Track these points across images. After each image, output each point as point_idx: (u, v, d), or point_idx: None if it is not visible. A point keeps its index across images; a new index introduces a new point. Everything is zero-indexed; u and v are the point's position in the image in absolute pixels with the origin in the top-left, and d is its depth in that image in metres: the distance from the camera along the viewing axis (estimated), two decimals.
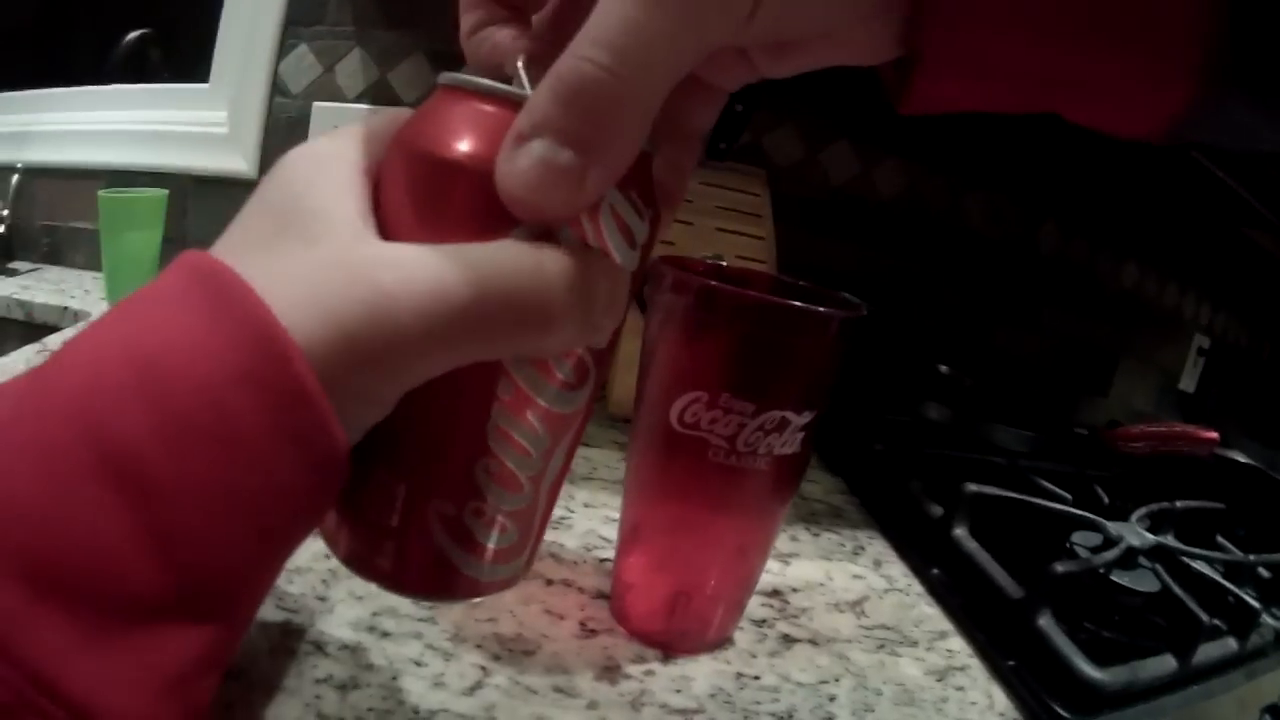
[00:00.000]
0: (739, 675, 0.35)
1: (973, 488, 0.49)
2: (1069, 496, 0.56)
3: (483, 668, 0.33)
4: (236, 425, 0.15)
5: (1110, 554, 0.46)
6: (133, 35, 0.95)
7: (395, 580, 0.20)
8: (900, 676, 0.38)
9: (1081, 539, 0.49)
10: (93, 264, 0.86)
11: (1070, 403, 0.91)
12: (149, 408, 0.14)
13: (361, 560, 0.20)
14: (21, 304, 0.73)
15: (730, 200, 0.61)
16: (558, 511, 0.48)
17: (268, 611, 0.33)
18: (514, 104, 0.17)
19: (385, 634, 0.34)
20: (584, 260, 0.17)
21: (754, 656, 0.37)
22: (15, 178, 0.85)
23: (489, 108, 0.17)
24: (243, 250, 0.17)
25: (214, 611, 0.16)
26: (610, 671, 0.34)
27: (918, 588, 0.47)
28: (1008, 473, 0.59)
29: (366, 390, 0.16)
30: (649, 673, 0.34)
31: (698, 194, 0.60)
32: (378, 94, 0.84)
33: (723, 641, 0.37)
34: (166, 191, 0.74)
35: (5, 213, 0.84)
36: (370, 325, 0.15)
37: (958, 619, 0.44)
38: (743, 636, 0.39)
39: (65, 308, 0.72)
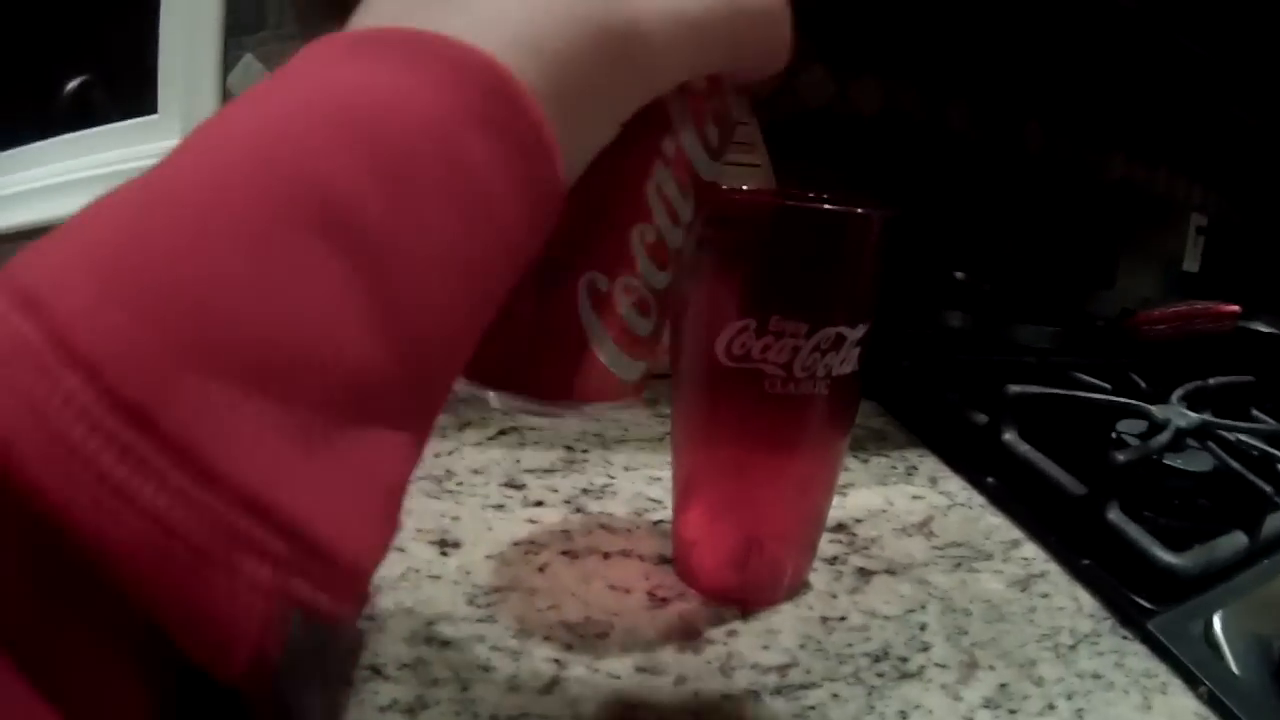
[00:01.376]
0: (824, 619, 0.33)
1: (1015, 389, 0.47)
2: (1108, 386, 0.54)
3: (556, 660, 0.30)
4: (472, 174, 0.12)
5: (1162, 437, 0.44)
6: (73, 84, 0.88)
7: (522, 379, 0.17)
8: (984, 592, 0.37)
9: (1126, 427, 0.48)
10: None
11: (1080, 298, 0.90)
12: (366, 158, 0.11)
13: (479, 362, 0.16)
14: None
15: None
16: (599, 479, 0.45)
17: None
18: None
19: (445, 643, 0.31)
20: None
21: (834, 597, 0.35)
22: None
23: None
24: (405, 13, 0.13)
25: (424, 405, 0.13)
26: (691, 639, 0.31)
27: (979, 499, 0.45)
28: (1043, 370, 0.57)
29: (590, 123, 0.14)
30: (732, 633, 0.32)
31: None
32: None
33: (800, 587, 0.35)
34: None
35: None
36: (608, 43, 0.14)
37: (1026, 525, 0.42)
38: (818, 578, 0.36)
39: None
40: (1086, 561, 0.39)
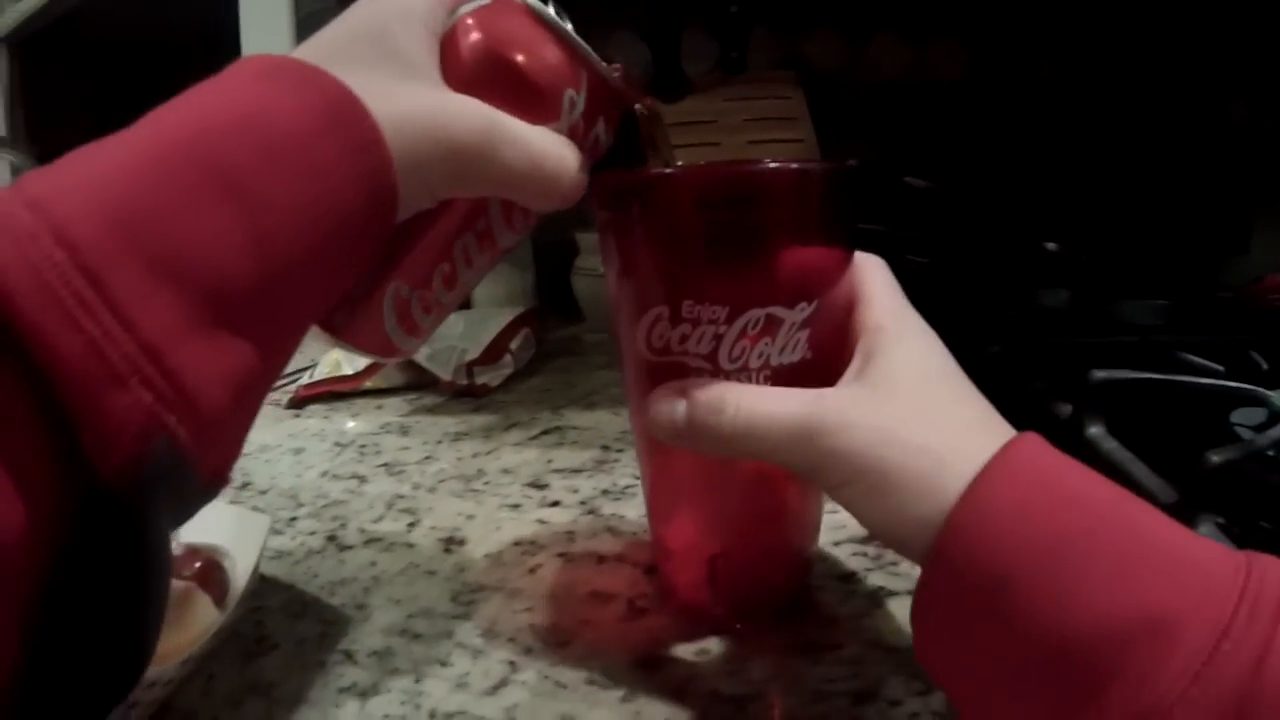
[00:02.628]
0: (813, 646, 0.30)
1: (1100, 375, 0.39)
2: (1220, 368, 0.44)
3: (511, 663, 0.30)
4: (322, 162, 0.18)
5: (1275, 431, 0.34)
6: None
7: (335, 327, 0.24)
8: None
9: (1245, 417, 0.38)
10: None
11: (1208, 268, 0.73)
12: (254, 144, 0.17)
13: (329, 323, 0.25)
14: None
15: (759, 110, 0.54)
16: (622, 480, 0.44)
17: (306, 627, 0.33)
18: (556, 34, 0.24)
19: (416, 636, 0.32)
20: (579, 158, 0.24)
21: (834, 621, 0.31)
22: None
23: (537, 28, 0.24)
24: (330, 61, 0.20)
25: (276, 324, 0.19)
26: (654, 657, 0.30)
27: None
28: (1143, 351, 0.47)
29: (416, 188, 0.21)
30: (701, 653, 0.30)
31: (722, 111, 0.54)
32: None
33: (795, 605, 0.32)
34: None
35: None
36: (434, 145, 0.21)
37: None
38: (825, 597, 0.32)
39: None
40: None
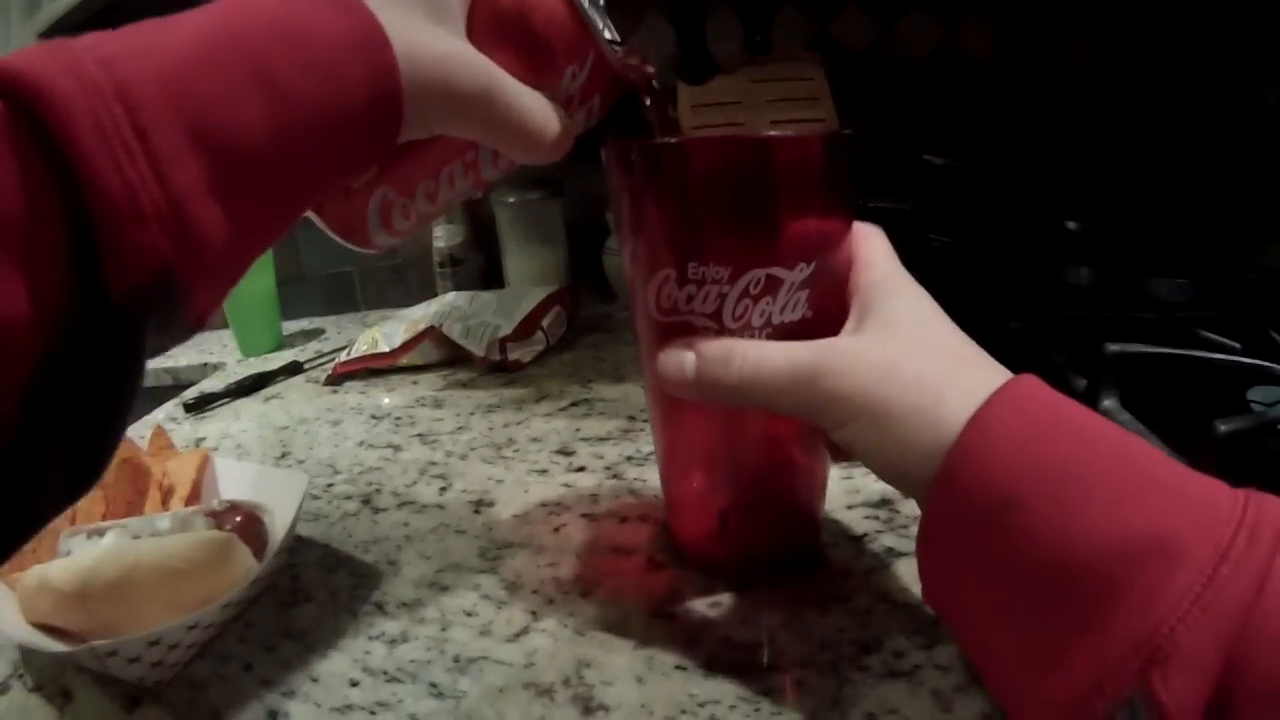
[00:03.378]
0: (823, 599, 0.30)
1: (1114, 348, 0.38)
2: (1238, 345, 0.42)
3: (533, 613, 0.31)
4: (344, 75, 0.20)
5: None
6: None
7: (324, 212, 0.27)
8: None
9: (1262, 395, 0.37)
10: (225, 321, 0.86)
11: (1243, 250, 0.70)
12: (293, 49, 0.20)
13: (339, 226, 0.28)
14: (169, 370, 0.85)
15: (782, 91, 0.54)
16: (645, 447, 0.45)
17: (341, 581, 0.35)
18: (575, 12, 0.25)
19: (444, 588, 0.33)
20: (567, 121, 0.26)
21: (846, 576, 0.31)
22: None
23: (561, 3, 0.25)
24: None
25: (278, 202, 0.21)
26: (670, 607, 0.30)
27: None
28: (1162, 327, 0.46)
29: (416, 118, 0.22)
30: (715, 605, 0.30)
31: (745, 93, 0.54)
32: None
33: (807, 561, 0.32)
34: None
35: None
36: (437, 88, 0.22)
37: None
38: (837, 553, 0.33)
39: (204, 364, 0.82)
40: None
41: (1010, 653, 0.20)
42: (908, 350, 0.23)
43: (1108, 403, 0.38)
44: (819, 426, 0.24)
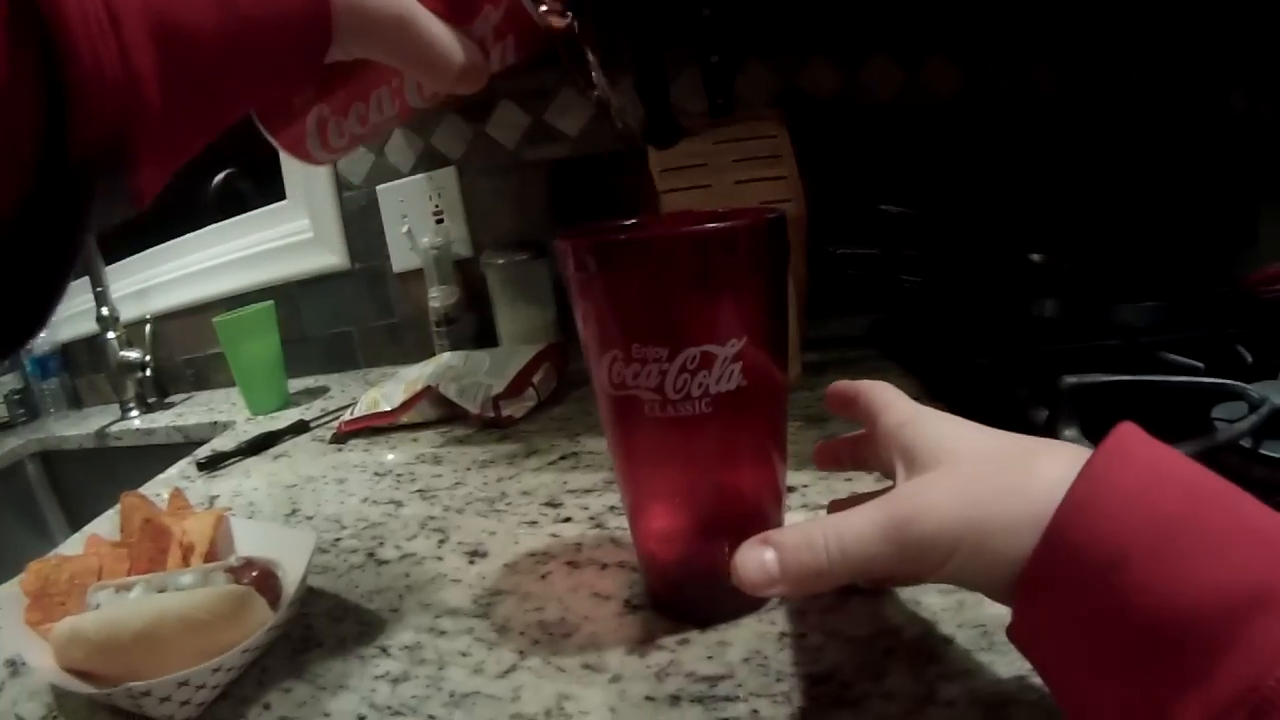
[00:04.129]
0: (781, 636, 0.33)
1: (1071, 380, 0.41)
2: (1200, 365, 0.45)
3: (521, 652, 0.35)
4: None
5: (1243, 424, 0.36)
6: (219, 178, 1.11)
7: (270, 126, 0.32)
8: (983, 618, 0.32)
9: (1225, 412, 0.39)
10: (233, 380, 0.92)
11: (1216, 263, 0.72)
12: None
13: (267, 119, 0.32)
14: (179, 429, 0.90)
15: (746, 150, 0.58)
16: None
17: (349, 628, 0.38)
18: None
19: (442, 632, 0.37)
20: (480, 56, 0.29)
21: (803, 615, 0.35)
22: (148, 327, 1.01)
23: None
24: None
25: (221, 98, 0.24)
26: (642, 645, 0.34)
27: None
28: (1124, 354, 0.49)
29: (340, 42, 0.25)
30: (683, 642, 0.34)
31: (710, 154, 0.58)
32: (428, 160, 0.92)
33: (766, 602, 0.35)
34: (272, 301, 0.86)
35: (148, 358, 0.98)
36: (356, 15, 0.25)
37: None
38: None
39: (214, 422, 0.87)
40: None
41: (1108, 704, 0.20)
42: (972, 469, 0.23)
43: (1068, 434, 0.40)
44: (921, 575, 0.24)
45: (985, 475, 0.23)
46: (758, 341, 0.29)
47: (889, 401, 0.28)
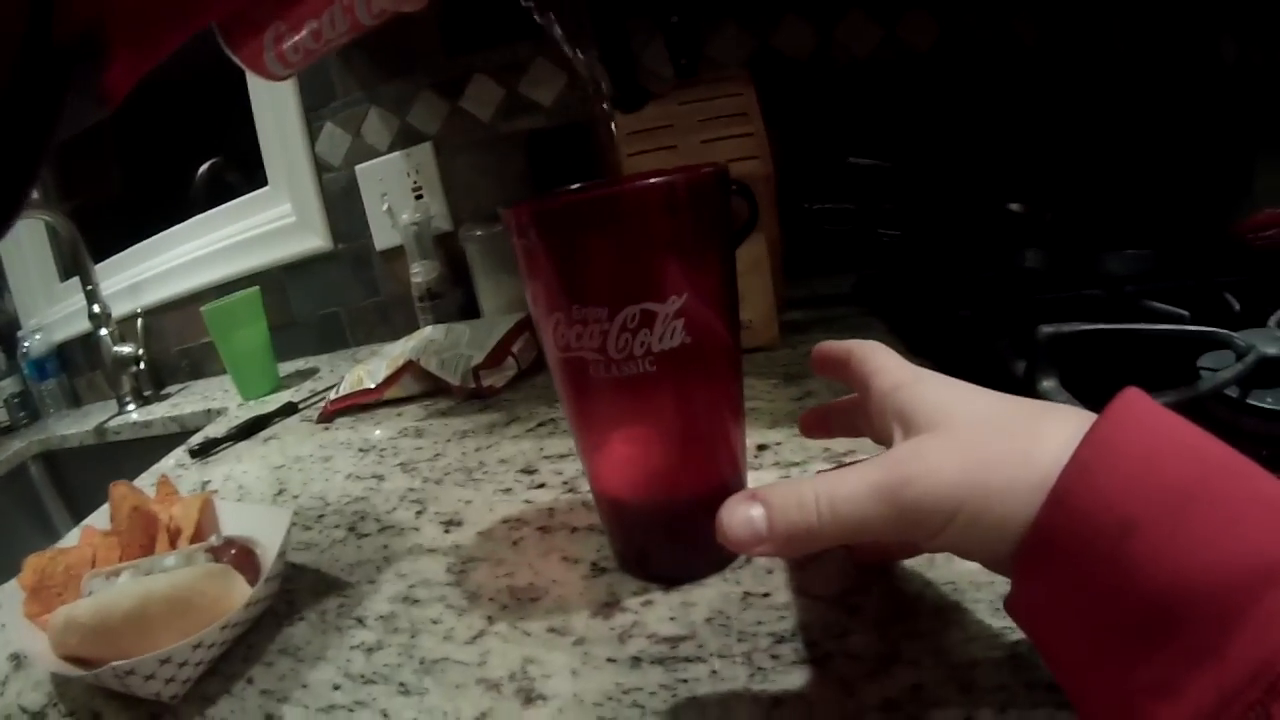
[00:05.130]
0: (746, 595, 0.34)
1: (1048, 329, 0.40)
2: (1185, 314, 0.43)
3: (489, 618, 0.35)
4: None
5: (1227, 372, 0.35)
6: (204, 167, 1.11)
7: (231, 42, 0.35)
8: (956, 575, 0.32)
9: (1213, 361, 0.38)
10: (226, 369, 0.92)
11: (1206, 213, 0.71)
12: None
13: (228, 35, 0.35)
14: (175, 419, 0.92)
15: (712, 109, 0.57)
16: None
17: (329, 602, 0.39)
18: None
19: (415, 601, 0.38)
20: None
21: (770, 573, 0.35)
22: (139, 321, 1.02)
23: None
24: None
25: (186, 11, 0.25)
26: (607, 608, 0.35)
27: None
28: (1108, 303, 0.47)
29: None
30: (647, 604, 0.34)
31: (676, 116, 0.57)
32: (405, 138, 0.91)
33: (732, 561, 0.36)
34: (257, 287, 0.86)
35: (141, 352, 1.00)
36: None
37: None
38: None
39: (208, 410, 0.88)
40: None
41: (1112, 679, 0.19)
42: (973, 431, 0.22)
43: (1046, 384, 0.39)
44: (915, 543, 0.23)
45: (988, 438, 0.22)
46: (700, 298, 0.29)
47: (884, 364, 0.27)
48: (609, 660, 0.31)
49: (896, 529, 0.22)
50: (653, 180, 0.28)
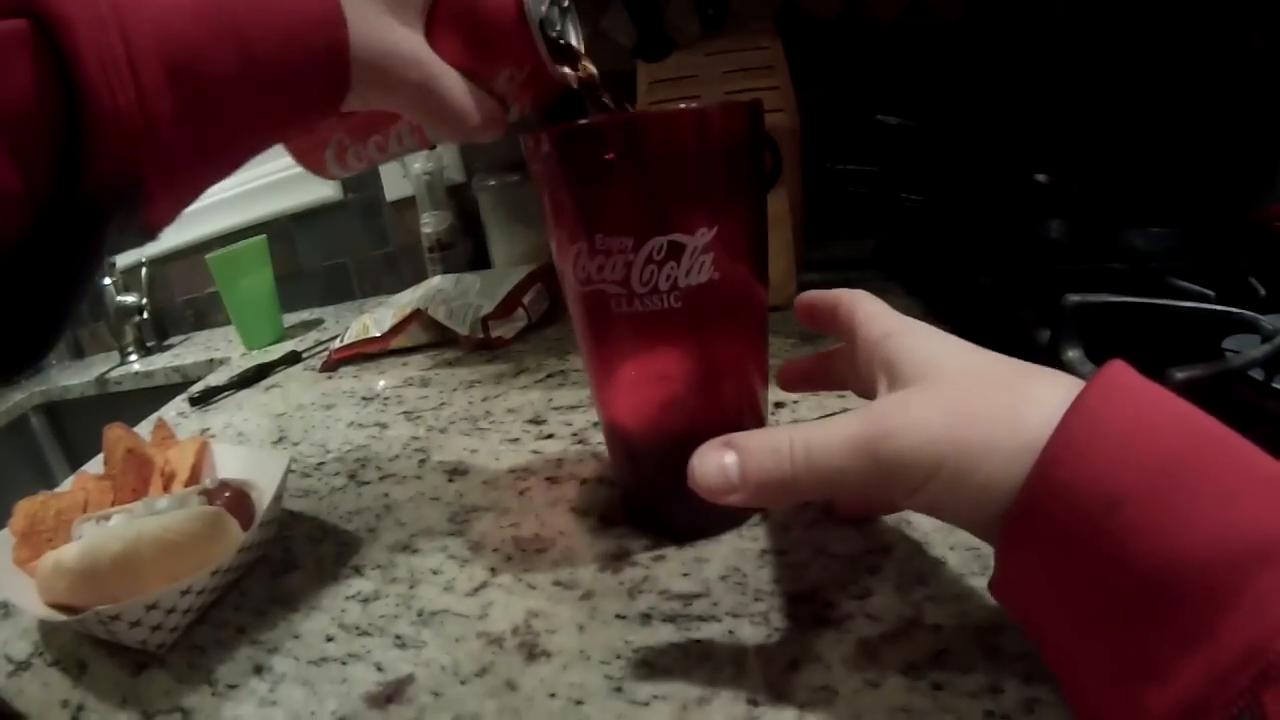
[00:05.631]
0: (763, 553, 0.32)
1: (1074, 299, 0.38)
2: (1211, 293, 0.41)
3: (492, 569, 0.34)
4: (304, 47, 0.23)
5: (1260, 350, 0.33)
6: None
7: (292, 148, 0.34)
8: (975, 540, 0.30)
9: (1238, 344, 0.36)
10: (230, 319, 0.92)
11: (1229, 195, 0.68)
12: (270, 17, 0.23)
13: (300, 153, 0.35)
14: (177, 369, 0.90)
15: (738, 61, 0.54)
16: None
17: (326, 549, 0.38)
18: (528, 27, 0.28)
19: (415, 551, 0.36)
20: (498, 110, 0.30)
21: (788, 530, 0.33)
22: (144, 270, 1.00)
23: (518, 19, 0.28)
24: None
25: (237, 138, 0.24)
26: (616, 561, 0.33)
27: None
28: (1132, 278, 0.45)
29: (359, 94, 0.26)
30: (659, 559, 0.32)
31: (702, 65, 0.54)
32: None
33: (749, 516, 0.34)
34: (264, 236, 0.84)
35: (144, 301, 0.98)
36: (378, 74, 0.25)
37: None
38: (782, 509, 0.35)
39: (210, 359, 0.86)
40: None
41: (1100, 660, 0.18)
42: (961, 386, 0.21)
43: (1071, 354, 0.38)
44: (893, 499, 0.22)
45: (975, 394, 0.21)
46: (730, 232, 0.26)
47: (871, 312, 0.26)
48: (618, 616, 0.29)
49: (875, 483, 0.21)
50: (685, 107, 0.25)
